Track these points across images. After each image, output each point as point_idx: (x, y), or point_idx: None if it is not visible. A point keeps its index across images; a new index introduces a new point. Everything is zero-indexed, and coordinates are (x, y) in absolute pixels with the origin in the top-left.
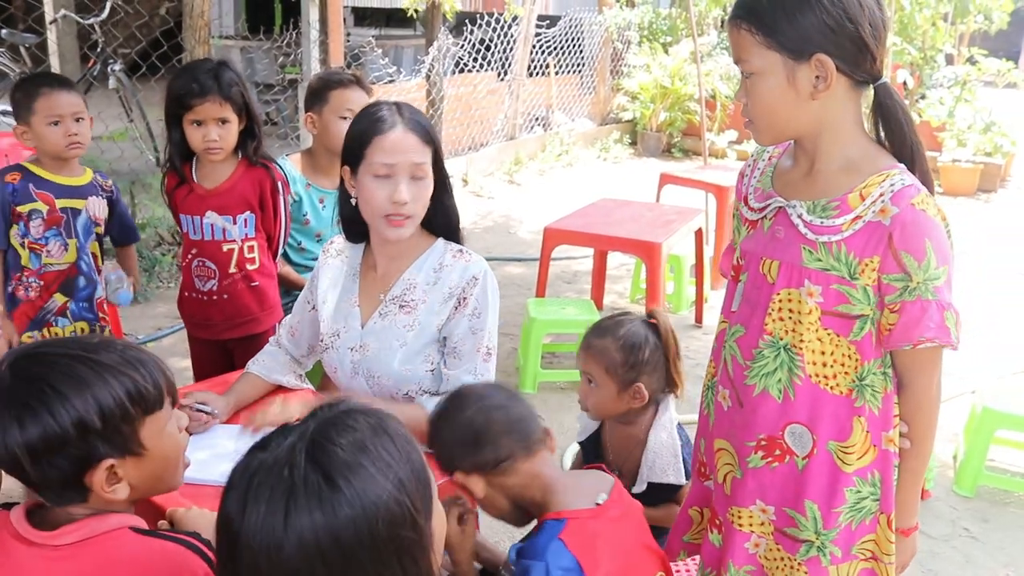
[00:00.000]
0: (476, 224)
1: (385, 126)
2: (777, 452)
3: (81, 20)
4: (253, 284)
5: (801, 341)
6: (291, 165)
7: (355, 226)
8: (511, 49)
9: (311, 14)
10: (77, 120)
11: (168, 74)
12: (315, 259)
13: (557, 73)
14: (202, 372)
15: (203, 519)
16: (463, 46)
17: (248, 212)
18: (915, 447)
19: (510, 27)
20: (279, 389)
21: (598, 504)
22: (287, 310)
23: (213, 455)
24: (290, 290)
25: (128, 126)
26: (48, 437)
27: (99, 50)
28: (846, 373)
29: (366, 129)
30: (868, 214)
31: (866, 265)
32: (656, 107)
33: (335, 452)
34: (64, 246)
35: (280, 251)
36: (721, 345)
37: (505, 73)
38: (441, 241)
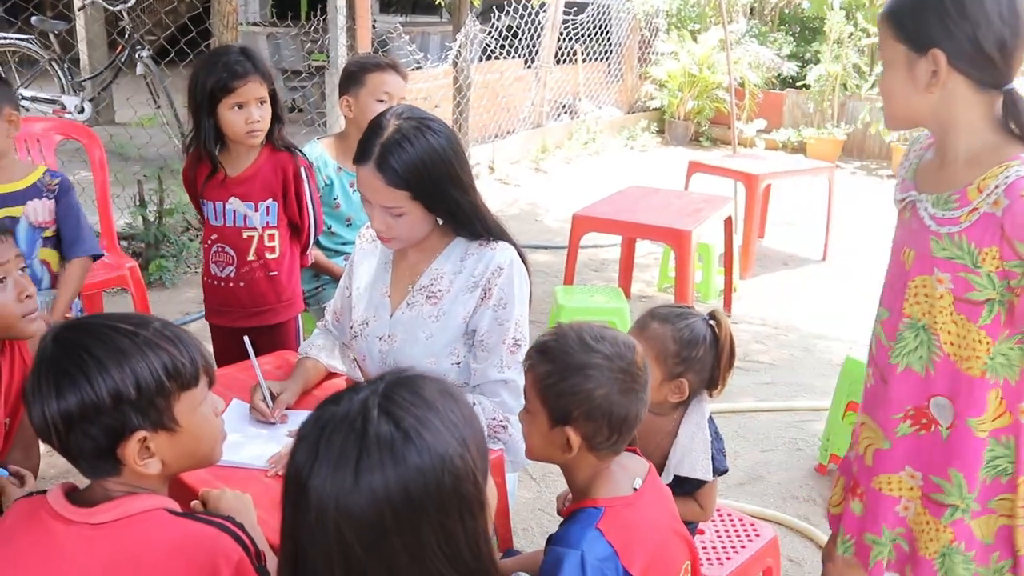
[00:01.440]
0: (502, 212)
1: (360, 157)
2: (924, 421)
3: (109, 6)
4: (271, 273)
5: (935, 323)
6: (322, 149)
7: None
8: (538, 36)
9: (338, 0)
10: (9, 122)
11: (197, 60)
12: (344, 244)
13: (584, 60)
14: (221, 358)
15: (237, 501)
16: (490, 33)
17: (271, 199)
18: None
19: (537, 14)
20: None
21: (635, 489)
22: (313, 295)
23: (245, 437)
24: (318, 274)
25: (156, 112)
26: (84, 405)
27: (127, 36)
28: (978, 356)
29: (359, 147)
30: (984, 206)
31: (986, 254)
32: (684, 95)
33: (407, 407)
34: None
35: (312, 242)
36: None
37: (532, 60)
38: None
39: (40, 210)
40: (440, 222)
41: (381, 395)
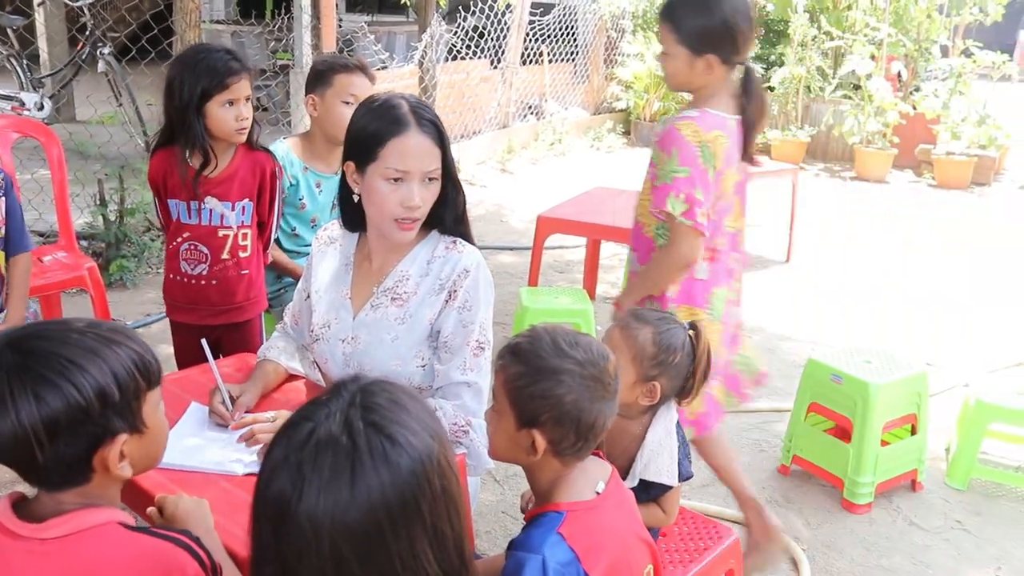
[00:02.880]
0: (468, 212)
1: (401, 128)
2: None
3: (70, 2)
4: (243, 272)
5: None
6: (287, 148)
7: (354, 215)
8: (504, 37)
9: None
10: None
11: (159, 58)
12: (306, 245)
13: (551, 61)
14: (184, 358)
15: (195, 507)
16: (456, 33)
17: (247, 199)
18: None
19: (503, 14)
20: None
21: (597, 494)
22: (276, 297)
23: (204, 441)
24: (281, 276)
25: (117, 110)
26: (72, 408)
27: (88, 33)
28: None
29: (381, 129)
30: (659, 127)
31: (661, 158)
32: (650, 97)
33: (386, 413)
34: None
35: (272, 240)
36: None
37: (498, 61)
38: (435, 233)
39: None
40: None
41: (360, 407)
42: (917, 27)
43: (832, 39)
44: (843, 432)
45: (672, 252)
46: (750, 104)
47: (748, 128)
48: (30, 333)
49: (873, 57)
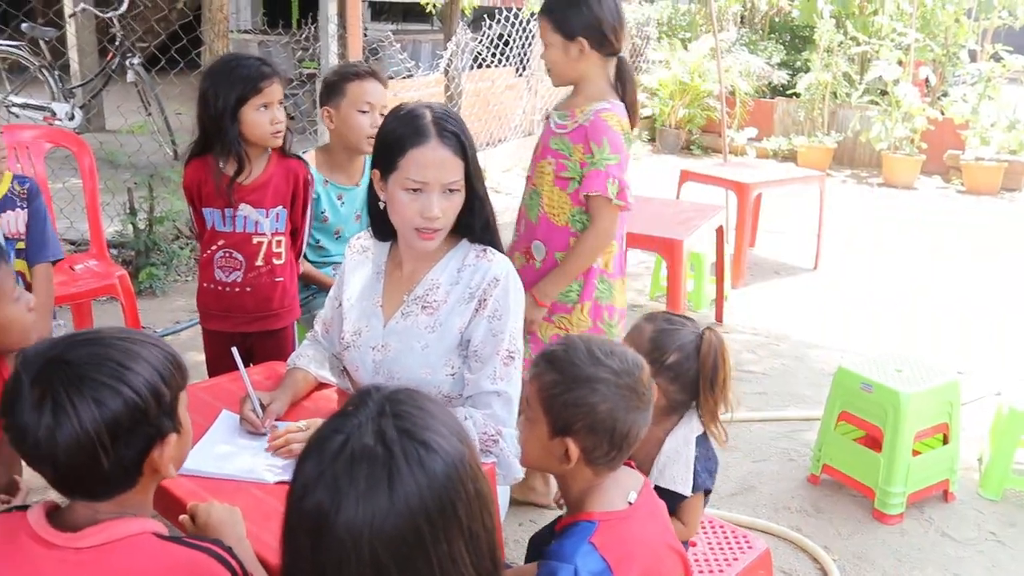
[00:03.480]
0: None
1: (420, 139)
2: (528, 256)
3: (100, 14)
4: (277, 279)
5: (543, 189)
6: (307, 161)
7: (383, 224)
8: (529, 44)
9: (329, 8)
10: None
11: (187, 68)
12: (332, 257)
13: None
14: (217, 367)
15: (227, 514)
16: (481, 41)
17: (280, 206)
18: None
19: (528, 22)
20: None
21: (629, 504)
22: (304, 304)
23: (235, 448)
24: (309, 285)
25: (146, 120)
26: (131, 410)
27: (118, 44)
28: (564, 213)
29: (401, 138)
30: (581, 119)
31: (576, 149)
32: (675, 103)
33: (417, 419)
34: None
35: (303, 248)
36: None
37: (523, 68)
38: (466, 241)
39: (14, 222)
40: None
41: (392, 415)
42: (945, 31)
43: (858, 44)
44: (873, 441)
45: (599, 230)
46: (626, 92)
47: (628, 114)
48: (73, 343)
49: (900, 62)
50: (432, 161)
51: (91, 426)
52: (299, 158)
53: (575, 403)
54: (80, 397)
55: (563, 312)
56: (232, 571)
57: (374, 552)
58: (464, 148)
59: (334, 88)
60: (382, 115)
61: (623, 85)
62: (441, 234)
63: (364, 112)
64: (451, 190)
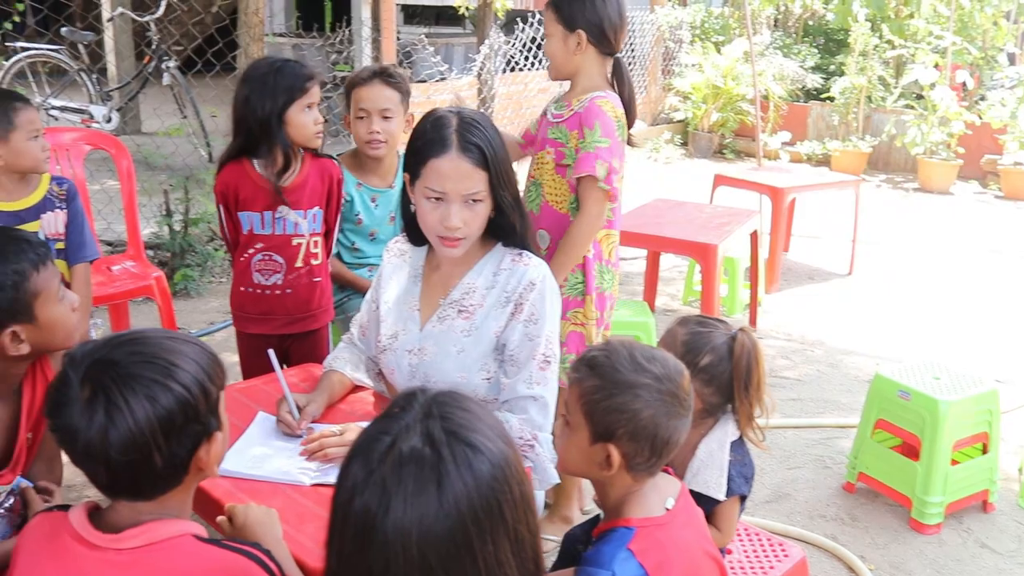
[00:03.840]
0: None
1: (441, 149)
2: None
3: (137, 18)
4: (316, 279)
5: (543, 180)
6: (340, 165)
7: (416, 229)
8: None
9: (363, 12)
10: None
11: (224, 71)
12: (366, 259)
13: None
14: (250, 368)
15: (264, 516)
16: (514, 44)
17: (317, 207)
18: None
19: None
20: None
21: (667, 509)
22: (339, 306)
23: (271, 450)
24: (344, 287)
25: (182, 122)
26: (183, 406)
27: (154, 47)
28: (565, 201)
29: (424, 146)
30: (576, 107)
31: (572, 136)
32: (708, 107)
33: (462, 422)
34: None
35: (333, 247)
36: None
37: None
38: (501, 244)
39: (54, 222)
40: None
41: (439, 417)
42: (983, 35)
43: (894, 47)
44: (910, 449)
45: (589, 216)
46: (623, 91)
47: (625, 111)
48: (119, 343)
49: (937, 66)
50: (451, 172)
51: (145, 424)
52: (331, 158)
53: (618, 409)
54: (133, 395)
55: (576, 307)
56: (271, 574)
57: (422, 554)
58: (487, 158)
59: (346, 95)
60: (386, 118)
61: (619, 85)
62: (465, 243)
63: (361, 118)
64: (474, 200)
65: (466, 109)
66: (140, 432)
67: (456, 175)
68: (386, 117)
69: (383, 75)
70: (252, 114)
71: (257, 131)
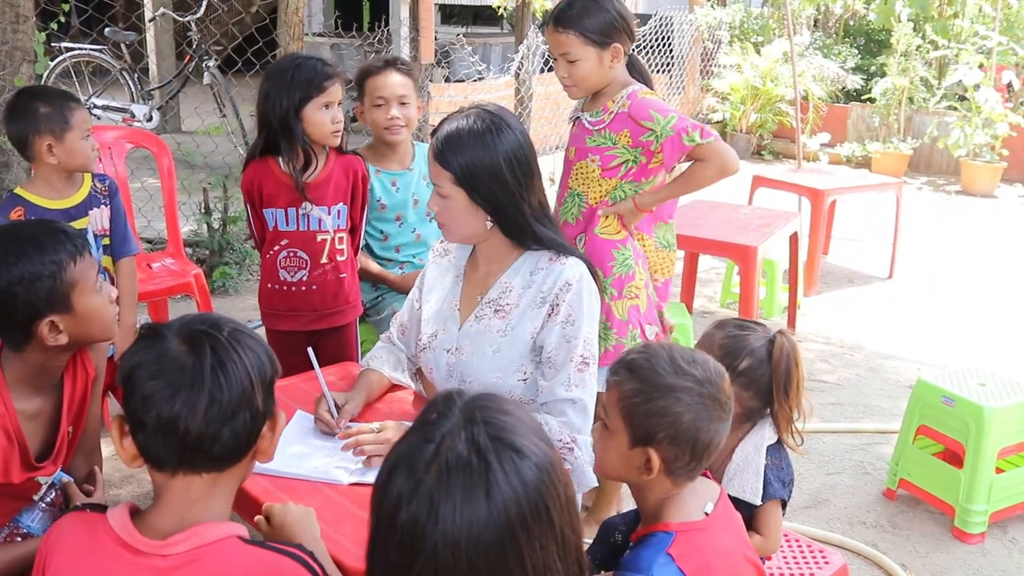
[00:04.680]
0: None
1: (432, 134)
2: None
3: (179, 18)
4: (341, 276)
5: (587, 189)
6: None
7: None
8: None
9: (401, 11)
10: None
11: (264, 70)
12: (398, 248)
13: None
14: (282, 365)
15: (302, 515)
16: None
17: (341, 203)
18: None
19: None
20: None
21: (706, 514)
22: (373, 306)
23: (309, 449)
24: (377, 285)
25: (221, 121)
26: (273, 367)
27: (195, 47)
28: (598, 195)
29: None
30: (616, 108)
31: (621, 136)
32: (747, 108)
33: (505, 426)
34: None
35: (360, 244)
36: None
37: None
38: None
39: (100, 218)
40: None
41: (482, 423)
42: None
43: (937, 48)
44: (953, 456)
45: (714, 166)
46: (644, 82)
47: None
48: (201, 316)
49: (982, 66)
50: (431, 162)
51: (253, 373)
52: (356, 154)
53: (658, 412)
54: (240, 350)
55: (629, 281)
56: (315, 575)
57: (471, 562)
58: (448, 160)
59: (358, 85)
60: (403, 104)
61: (642, 77)
62: (451, 234)
63: (379, 106)
64: (439, 194)
65: (489, 111)
66: (248, 379)
67: (431, 167)
68: (403, 103)
69: (395, 64)
70: (271, 111)
71: (277, 127)
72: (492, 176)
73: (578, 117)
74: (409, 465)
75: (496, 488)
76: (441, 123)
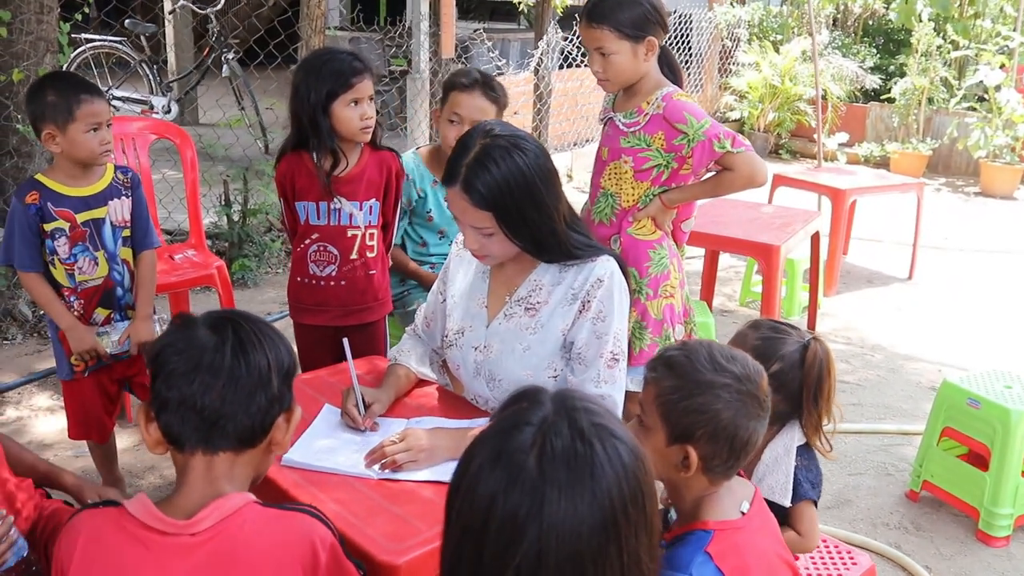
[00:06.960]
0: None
1: (449, 180)
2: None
3: (199, 10)
4: (371, 272)
5: (620, 190)
6: (418, 159)
7: None
8: None
9: (422, 6)
10: (107, 126)
11: (285, 63)
12: (432, 255)
13: None
14: (308, 360)
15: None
16: (571, 40)
17: (374, 199)
18: None
19: None
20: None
21: (743, 513)
22: (399, 299)
23: (339, 442)
24: (404, 279)
25: (241, 114)
26: (291, 358)
27: (214, 39)
28: (631, 196)
29: (448, 165)
30: (651, 110)
31: (655, 138)
32: (765, 107)
33: (598, 412)
34: (94, 260)
35: (393, 241)
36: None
37: None
38: None
39: (120, 209)
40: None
41: (582, 411)
42: None
43: (958, 48)
44: (978, 459)
45: (742, 175)
46: (675, 76)
47: None
48: (226, 312)
49: (1003, 67)
50: (454, 204)
51: (278, 357)
52: (391, 150)
53: (698, 409)
54: (265, 338)
55: (665, 280)
56: (328, 526)
57: (575, 549)
58: (485, 198)
59: (444, 93)
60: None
61: (672, 71)
62: (493, 259)
63: (453, 122)
64: (484, 234)
65: (503, 135)
66: (276, 361)
67: (458, 209)
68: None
69: (485, 86)
70: (301, 105)
71: (306, 122)
72: (531, 203)
73: (611, 117)
74: (503, 456)
75: (601, 471)
76: (454, 165)
